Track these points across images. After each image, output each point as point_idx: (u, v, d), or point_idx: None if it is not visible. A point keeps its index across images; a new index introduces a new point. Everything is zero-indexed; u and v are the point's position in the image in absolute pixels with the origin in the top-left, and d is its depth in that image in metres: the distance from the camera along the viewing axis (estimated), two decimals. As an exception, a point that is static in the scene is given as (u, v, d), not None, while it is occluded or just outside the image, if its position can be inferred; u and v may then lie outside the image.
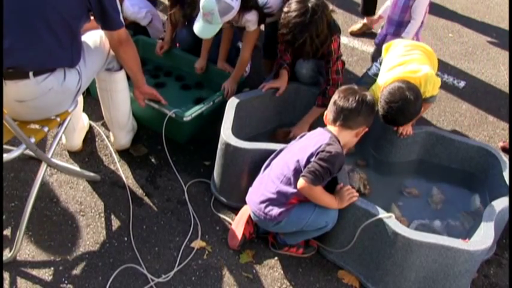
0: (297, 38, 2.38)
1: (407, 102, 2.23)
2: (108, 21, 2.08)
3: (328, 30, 2.48)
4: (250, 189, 2.16)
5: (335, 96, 2.08)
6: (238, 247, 2.17)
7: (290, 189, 1.99)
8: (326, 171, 1.91)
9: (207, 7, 2.40)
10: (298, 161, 1.98)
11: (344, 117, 2.02)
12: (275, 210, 2.02)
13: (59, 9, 1.90)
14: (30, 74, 1.91)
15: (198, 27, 2.54)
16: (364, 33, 4.06)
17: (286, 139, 2.55)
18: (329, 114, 2.08)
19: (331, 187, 2.09)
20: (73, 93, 2.09)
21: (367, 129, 2.10)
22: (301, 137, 2.15)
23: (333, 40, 2.55)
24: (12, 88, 1.91)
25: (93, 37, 2.22)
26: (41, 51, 1.91)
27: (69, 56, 2.01)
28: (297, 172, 1.97)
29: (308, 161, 1.96)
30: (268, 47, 2.99)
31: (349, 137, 2.06)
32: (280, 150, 2.18)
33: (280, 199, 2.02)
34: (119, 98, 2.46)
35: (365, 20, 4.04)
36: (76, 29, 2.02)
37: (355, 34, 4.06)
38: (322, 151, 1.93)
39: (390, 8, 3.20)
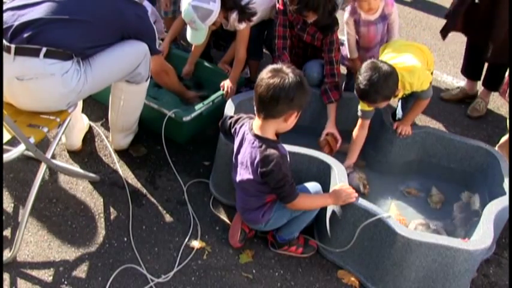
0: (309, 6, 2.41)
1: (378, 72, 2.21)
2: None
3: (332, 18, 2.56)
4: (236, 198, 2.16)
5: (262, 75, 1.86)
6: (241, 242, 2.17)
7: (259, 196, 2.02)
8: (287, 183, 1.89)
9: (186, 16, 2.48)
10: (249, 180, 1.96)
11: (264, 108, 1.86)
12: (258, 214, 2.04)
13: (95, 22, 2.03)
14: (41, 53, 1.93)
15: (188, 35, 2.62)
16: (463, 101, 3.19)
17: (333, 152, 2.55)
18: (254, 101, 1.91)
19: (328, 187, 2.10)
20: (71, 92, 2.05)
21: (297, 113, 1.90)
22: (238, 141, 2.02)
23: (335, 30, 2.60)
24: (18, 64, 1.94)
25: (127, 51, 2.19)
26: (62, 31, 1.97)
27: (83, 49, 2.05)
28: (256, 188, 1.98)
29: (255, 181, 1.93)
30: (253, 48, 2.94)
31: (276, 125, 1.90)
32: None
33: (256, 205, 2.04)
34: (131, 106, 2.45)
35: (463, 84, 3.32)
36: (100, 42, 2.10)
37: (449, 101, 3.25)
38: (264, 174, 1.87)
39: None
